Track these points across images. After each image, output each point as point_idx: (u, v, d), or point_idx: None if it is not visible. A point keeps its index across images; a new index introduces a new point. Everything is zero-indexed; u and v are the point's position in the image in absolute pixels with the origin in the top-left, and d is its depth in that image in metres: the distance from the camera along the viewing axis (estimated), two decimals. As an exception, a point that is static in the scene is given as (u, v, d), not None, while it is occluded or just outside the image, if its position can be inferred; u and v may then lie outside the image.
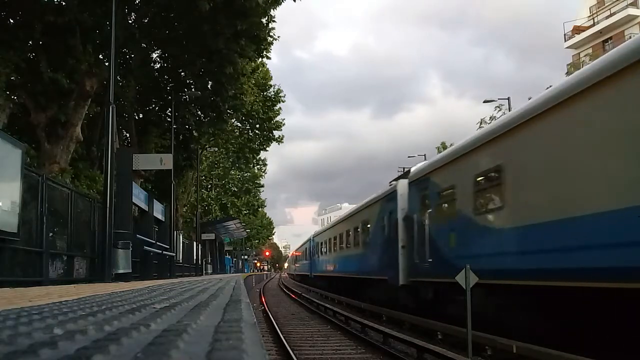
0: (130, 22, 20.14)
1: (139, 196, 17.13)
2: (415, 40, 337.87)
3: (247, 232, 57.94)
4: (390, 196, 15.97)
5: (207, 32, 18.77)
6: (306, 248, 42.89)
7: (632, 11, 37.60)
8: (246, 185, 49.66)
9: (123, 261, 13.08)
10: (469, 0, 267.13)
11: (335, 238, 26.62)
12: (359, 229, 20.75)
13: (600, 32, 39.91)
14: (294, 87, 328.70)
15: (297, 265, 57.48)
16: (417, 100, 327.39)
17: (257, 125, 36.50)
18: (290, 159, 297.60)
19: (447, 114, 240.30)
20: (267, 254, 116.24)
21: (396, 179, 17.08)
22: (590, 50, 38.93)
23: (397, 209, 14.88)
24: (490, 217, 9.79)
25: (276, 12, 20.68)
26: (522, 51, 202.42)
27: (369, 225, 18.97)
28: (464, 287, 8.77)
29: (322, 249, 31.53)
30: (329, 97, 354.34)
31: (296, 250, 61.87)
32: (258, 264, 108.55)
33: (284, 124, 37.05)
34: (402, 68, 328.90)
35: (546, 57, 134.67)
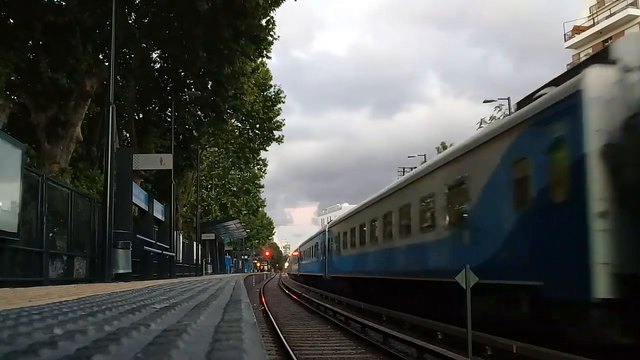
0: (130, 22, 20.15)
1: (139, 196, 17.14)
2: (414, 40, 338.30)
3: (247, 232, 57.92)
4: (558, 109, 7.79)
5: (206, 32, 18.78)
6: (317, 242, 34.26)
7: (632, 11, 37.60)
8: (246, 185, 49.69)
9: (123, 261, 13.09)
10: (468, 0, 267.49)
11: (376, 221, 17.73)
12: (436, 198, 12.46)
13: (600, 32, 39.90)
14: (292, 87, 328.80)
15: (302, 264, 47.75)
16: (416, 100, 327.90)
17: (257, 125, 36.53)
18: (290, 159, 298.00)
19: (446, 114, 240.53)
20: (267, 254, 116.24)
21: (563, 77, 8.42)
22: (590, 50, 38.94)
23: (583, 134, 7.10)
24: None
25: (276, 13, 20.73)
26: (521, 51, 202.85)
27: (472, 186, 10.48)
28: (464, 287, 8.77)
29: (349, 240, 22.39)
30: (328, 97, 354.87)
31: (301, 247, 51.76)
32: (258, 264, 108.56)
33: (284, 124, 37.13)
34: (401, 68, 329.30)
35: (545, 58, 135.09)
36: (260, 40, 21.23)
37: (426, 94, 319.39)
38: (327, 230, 29.54)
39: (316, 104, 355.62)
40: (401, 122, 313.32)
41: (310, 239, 40.35)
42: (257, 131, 37.06)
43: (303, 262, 46.63)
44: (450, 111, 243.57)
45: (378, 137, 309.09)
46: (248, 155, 39.27)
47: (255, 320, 2.54)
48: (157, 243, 19.07)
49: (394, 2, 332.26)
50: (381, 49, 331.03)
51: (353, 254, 21.64)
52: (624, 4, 38.35)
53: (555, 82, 8.68)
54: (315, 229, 57.19)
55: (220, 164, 45.34)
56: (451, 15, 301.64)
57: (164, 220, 21.53)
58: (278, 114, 36.56)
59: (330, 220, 49.28)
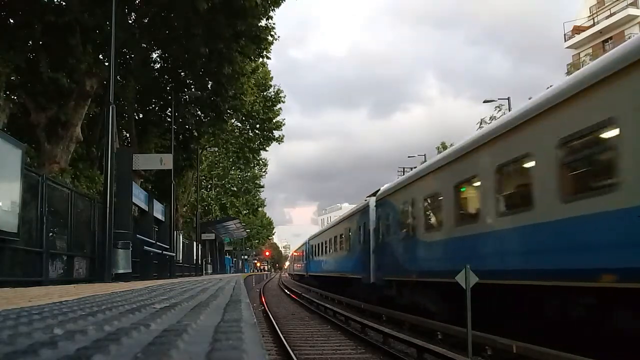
0: (130, 22, 20.15)
1: (139, 196, 17.14)
2: (412, 40, 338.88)
3: (247, 232, 57.91)
4: None
5: (206, 32, 18.79)
6: (349, 228, 22.63)
7: (632, 11, 37.65)
8: (246, 185, 49.72)
9: (123, 261, 13.09)
10: (466, 1, 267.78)
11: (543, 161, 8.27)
12: None
13: (600, 32, 39.94)
14: (290, 87, 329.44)
15: (315, 261, 35.11)
16: (415, 100, 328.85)
17: (257, 125, 36.56)
18: (288, 159, 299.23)
19: (444, 113, 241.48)
20: (267, 254, 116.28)
21: None
22: (590, 50, 38.97)
23: None
24: None
25: (275, 13, 20.69)
26: (519, 51, 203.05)
27: None
28: (464, 287, 8.77)
29: (443, 212, 12.19)
30: (326, 97, 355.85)
31: (311, 240, 38.62)
32: (258, 264, 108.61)
33: (284, 124, 37.18)
34: (399, 68, 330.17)
35: (543, 58, 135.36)
36: (260, 40, 21.23)
37: (424, 94, 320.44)
38: (373, 205, 18.37)
39: (314, 104, 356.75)
40: (399, 122, 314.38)
41: (336, 224, 27.82)
42: (257, 131, 37.08)
43: (317, 258, 33.92)
44: (447, 111, 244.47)
45: (376, 137, 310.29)
46: (248, 155, 39.28)
47: (255, 320, 2.54)
48: (157, 243, 19.07)
49: (391, 2, 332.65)
50: (379, 49, 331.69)
51: (456, 237, 11.22)
52: (624, 4, 38.38)
53: None
54: (314, 229, 55.95)
55: (220, 164, 45.35)
56: (448, 15, 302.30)
57: (164, 220, 21.53)
58: (278, 114, 36.62)
59: (331, 220, 43.62)
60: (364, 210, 19.81)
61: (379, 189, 18.50)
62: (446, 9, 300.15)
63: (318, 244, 33.67)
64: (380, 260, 17.27)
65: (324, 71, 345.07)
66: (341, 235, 24.91)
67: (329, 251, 28.55)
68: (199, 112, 26.74)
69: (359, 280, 19.75)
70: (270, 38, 21.93)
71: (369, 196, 19.43)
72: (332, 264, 27.29)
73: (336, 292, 24.73)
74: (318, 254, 33.58)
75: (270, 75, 35.14)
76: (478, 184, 10.57)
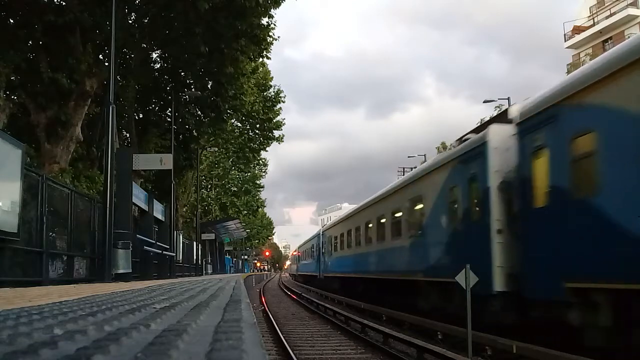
0: (130, 22, 20.15)
1: (139, 196, 17.14)
2: (409, 40, 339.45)
3: (247, 232, 57.89)
4: None
5: (206, 32, 18.79)
6: (430, 192, 12.59)
7: (632, 11, 37.65)
8: (246, 185, 49.74)
9: (123, 261, 13.08)
10: (463, 1, 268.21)
11: None
12: None
13: (600, 32, 39.94)
14: (287, 86, 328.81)
15: (342, 254, 24.03)
16: (412, 100, 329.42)
17: (257, 125, 36.56)
18: (287, 159, 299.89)
19: (442, 113, 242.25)
20: (267, 254, 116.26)
21: None
22: (590, 50, 38.97)
23: None
24: None
25: (276, 12, 20.70)
26: (517, 51, 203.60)
27: None
28: (464, 287, 8.77)
29: None
30: (323, 97, 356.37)
31: (336, 226, 27.23)
32: (258, 264, 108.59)
33: (284, 124, 37.20)
34: (397, 68, 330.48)
35: (542, 58, 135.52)
36: (260, 40, 21.22)
37: (422, 94, 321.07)
38: (502, 139, 9.53)
39: (312, 103, 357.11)
40: (397, 122, 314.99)
41: (385, 197, 17.31)
42: (257, 131, 37.10)
43: (340, 253, 24.76)
44: (445, 111, 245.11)
45: (374, 136, 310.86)
46: (248, 155, 39.31)
47: (255, 320, 2.54)
48: (157, 243, 19.07)
49: (388, 1, 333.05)
50: (376, 49, 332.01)
51: None
52: (624, 4, 38.39)
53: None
54: (314, 229, 55.06)
55: (221, 164, 45.37)
56: (445, 15, 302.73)
57: (164, 220, 21.53)
58: (278, 114, 36.62)
59: (331, 220, 39.98)
60: (468, 155, 10.66)
61: (505, 110, 11.17)
62: (444, 8, 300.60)
63: (343, 234, 23.86)
64: (543, 247, 8.10)
65: (321, 71, 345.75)
66: (395, 212, 15.73)
67: (368, 241, 19.05)
68: (199, 112, 26.74)
69: (451, 287, 10.37)
70: (269, 39, 21.93)
71: (477, 129, 11.26)
72: (377, 259, 17.79)
73: (383, 304, 16.83)
74: (342, 247, 24.05)
75: (270, 76, 35.16)
76: None
